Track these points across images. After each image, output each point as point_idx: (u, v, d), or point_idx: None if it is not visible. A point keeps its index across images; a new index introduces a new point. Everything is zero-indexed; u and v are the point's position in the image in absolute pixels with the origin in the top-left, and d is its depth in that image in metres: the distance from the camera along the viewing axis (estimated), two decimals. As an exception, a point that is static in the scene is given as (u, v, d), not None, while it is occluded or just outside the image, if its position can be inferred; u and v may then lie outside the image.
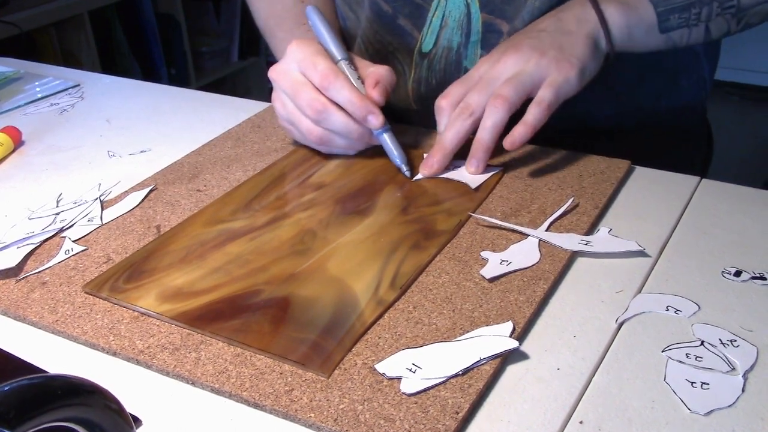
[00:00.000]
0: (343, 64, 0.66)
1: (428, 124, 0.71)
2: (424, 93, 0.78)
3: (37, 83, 0.95)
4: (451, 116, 0.64)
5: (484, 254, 0.54)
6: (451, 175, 0.65)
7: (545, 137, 0.65)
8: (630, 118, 0.81)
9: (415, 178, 0.65)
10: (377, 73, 0.65)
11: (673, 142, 0.85)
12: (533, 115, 0.62)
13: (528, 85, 0.62)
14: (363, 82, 0.65)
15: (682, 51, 0.80)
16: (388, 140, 0.66)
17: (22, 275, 0.55)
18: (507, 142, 0.62)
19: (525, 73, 0.62)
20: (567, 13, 0.66)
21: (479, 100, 0.63)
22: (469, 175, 0.64)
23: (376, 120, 0.64)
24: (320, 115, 0.63)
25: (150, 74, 2.46)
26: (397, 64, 0.79)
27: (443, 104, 0.66)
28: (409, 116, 0.80)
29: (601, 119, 0.79)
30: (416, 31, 0.76)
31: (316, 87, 0.63)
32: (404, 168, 0.65)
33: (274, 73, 0.66)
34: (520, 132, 0.62)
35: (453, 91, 0.66)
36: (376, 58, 0.79)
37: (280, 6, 0.81)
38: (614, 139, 0.76)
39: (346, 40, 0.86)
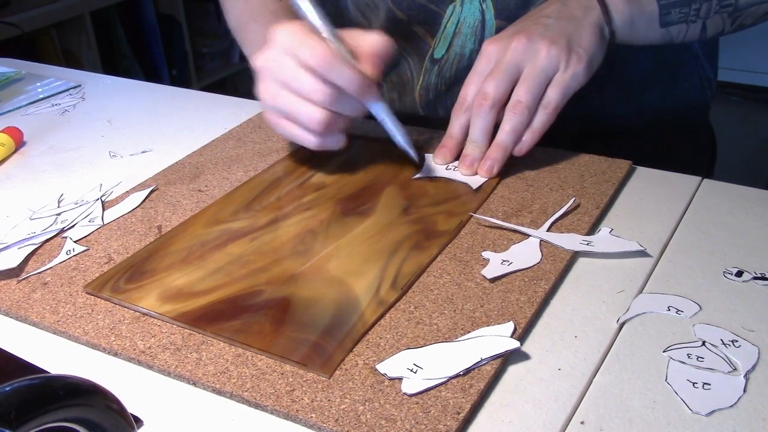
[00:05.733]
0: (334, 41, 0.60)
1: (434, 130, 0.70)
2: (432, 99, 0.78)
3: (38, 84, 0.95)
4: (472, 109, 0.64)
5: (485, 254, 0.54)
6: (452, 175, 0.65)
7: (550, 137, 0.65)
8: (638, 117, 0.81)
9: (416, 176, 0.65)
10: (372, 45, 0.60)
11: (678, 143, 0.85)
12: (540, 120, 0.63)
13: (543, 83, 0.62)
14: (352, 54, 0.60)
15: (680, 51, 0.80)
16: (388, 121, 0.62)
17: (24, 276, 0.55)
18: (515, 150, 0.64)
19: (539, 70, 0.61)
20: None
21: (498, 88, 0.62)
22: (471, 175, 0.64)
23: (375, 94, 0.60)
24: (330, 98, 0.59)
25: (151, 75, 2.46)
26: (406, 70, 0.79)
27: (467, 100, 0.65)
28: (416, 123, 0.79)
29: (611, 119, 0.79)
30: (429, 38, 0.76)
31: (314, 69, 0.58)
32: (411, 152, 0.63)
33: (262, 61, 0.61)
34: (528, 138, 0.63)
35: (469, 92, 0.65)
36: (388, 62, 0.78)
37: (257, 2, 0.78)
38: (620, 140, 0.76)
39: None
